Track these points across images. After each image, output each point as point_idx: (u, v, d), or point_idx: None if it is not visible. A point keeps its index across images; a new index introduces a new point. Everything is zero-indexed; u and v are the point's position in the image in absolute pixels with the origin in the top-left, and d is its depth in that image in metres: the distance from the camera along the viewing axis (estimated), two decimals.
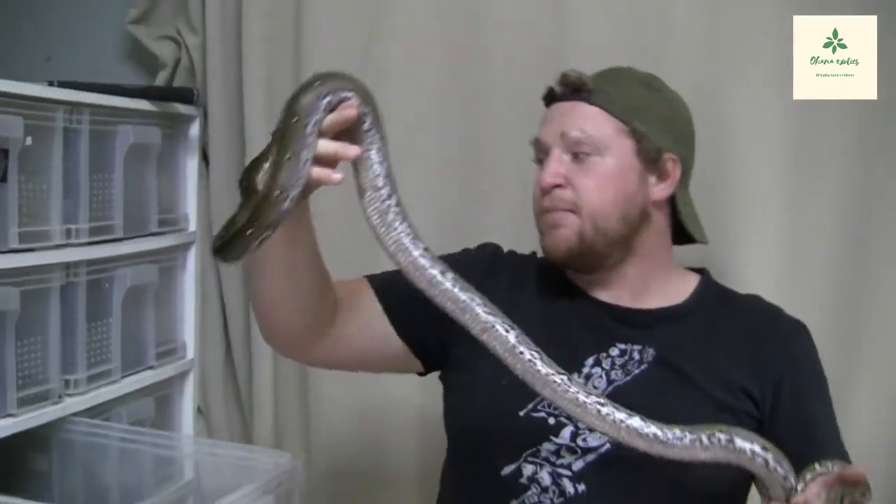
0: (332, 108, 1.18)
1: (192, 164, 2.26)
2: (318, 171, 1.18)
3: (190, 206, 2.25)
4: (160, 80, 2.32)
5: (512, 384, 1.28)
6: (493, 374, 1.35)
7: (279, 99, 2.11)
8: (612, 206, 1.48)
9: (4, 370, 1.72)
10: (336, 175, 1.19)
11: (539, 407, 1.44)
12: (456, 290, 1.21)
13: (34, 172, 1.78)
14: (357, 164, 1.21)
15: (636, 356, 1.48)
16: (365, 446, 2.12)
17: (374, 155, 1.20)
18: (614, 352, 1.49)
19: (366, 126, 1.20)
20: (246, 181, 1.19)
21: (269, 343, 1.54)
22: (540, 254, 1.60)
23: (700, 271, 1.62)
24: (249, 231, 1.17)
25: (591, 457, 1.42)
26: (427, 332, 1.53)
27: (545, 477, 1.42)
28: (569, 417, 1.40)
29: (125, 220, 2.00)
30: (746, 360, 1.33)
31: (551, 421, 1.44)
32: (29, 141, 1.74)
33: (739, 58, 1.86)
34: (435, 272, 1.21)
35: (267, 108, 2.16)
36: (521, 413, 1.45)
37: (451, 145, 2.04)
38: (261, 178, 1.17)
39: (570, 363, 1.38)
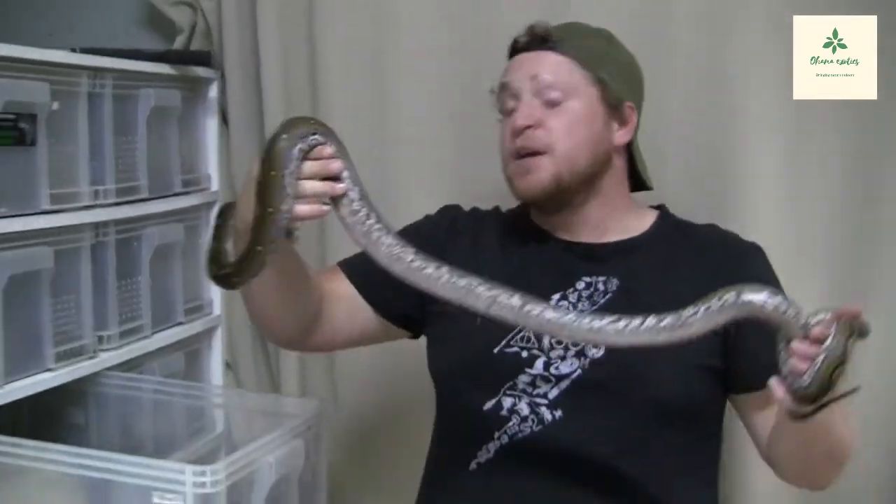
0: (305, 154, 1.27)
1: (212, 126, 2.30)
2: (307, 209, 1.27)
3: (211, 166, 2.30)
4: (178, 44, 2.36)
5: (485, 323, 1.38)
6: (465, 318, 1.44)
7: (294, 59, 2.19)
8: (582, 148, 1.56)
9: (41, 327, 1.78)
10: (325, 207, 1.30)
11: (512, 342, 1.54)
12: (454, 279, 1.31)
13: (61, 136, 1.83)
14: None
15: (601, 287, 1.57)
16: (388, 394, 2.18)
17: (348, 183, 1.30)
18: (580, 285, 1.58)
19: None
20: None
21: (270, 341, 1.61)
22: (505, 208, 1.71)
23: (658, 207, 1.70)
24: (236, 279, 1.34)
25: (564, 383, 1.51)
26: (403, 304, 1.65)
27: (524, 407, 1.52)
28: (541, 349, 1.52)
29: (150, 180, 2.05)
30: (706, 283, 1.37)
31: (524, 354, 1.53)
32: (55, 106, 1.78)
33: (743, 55, 1.89)
34: (431, 270, 1.31)
35: (282, 68, 2.21)
36: (496, 350, 1.55)
37: (460, 116, 2.07)
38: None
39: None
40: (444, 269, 1.31)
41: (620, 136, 1.62)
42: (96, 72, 1.91)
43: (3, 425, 1.65)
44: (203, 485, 1.43)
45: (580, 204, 1.61)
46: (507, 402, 1.53)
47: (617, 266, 1.59)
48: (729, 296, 1.27)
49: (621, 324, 1.29)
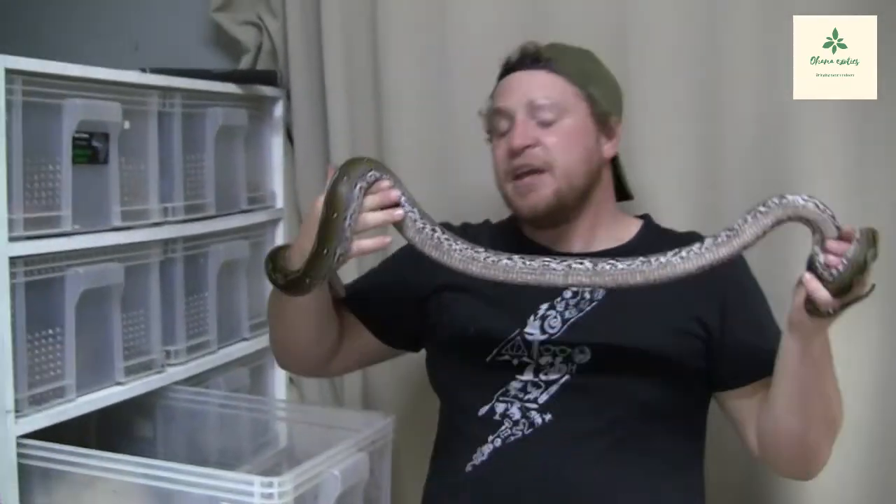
0: (366, 191, 1.44)
1: (277, 144, 2.35)
2: (371, 243, 1.46)
3: (276, 183, 2.34)
4: (244, 63, 2.41)
5: (477, 332, 1.60)
6: (459, 328, 1.64)
7: (358, 77, 2.21)
8: (579, 163, 1.63)
9: (112, 341, 1.82)
10: (387, 239, 1.51)
11: (503, 351, 1.62)
12: (527, 262, 1.45)
13: (132, 154, 1.88)
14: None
15: (587, 295, 1.63)
16: None
17: (406, 205, 1.47)
18: (567, 294, 1.63)
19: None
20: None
21: (287, 370, 1.70)
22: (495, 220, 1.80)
23: (643, 217, 1.77)
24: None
25: (553, 388, 1.58)
26: (404, 330, 1.77)
27: (515, 412, 1.59)
28: (530, 356, 1.60)
29: (217, 198, 2.09)
30: (690, 287, 1.47)
31: (515, 362, 1.61)
32: (127, 125, 1.84)
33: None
34: (505, 261, 1.46)
35: (347, 87, 2.24)
36: (488, 359, 1.62)
37: None
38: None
39: (525, 310, 1.62)
40: (516, 257, 1.46)
41: (609, 150, 1.69)
42: (166, 91, 1.96)
43: (72, 438, 1.68)
44: (270, 496, 1.46)
45: (574, 217, 1.67)
46: (500, 407, 1.60)
47: None
48: (773, 200, 1.40)
49: (684, 252, 1.42)
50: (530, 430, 1.58)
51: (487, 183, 1.82)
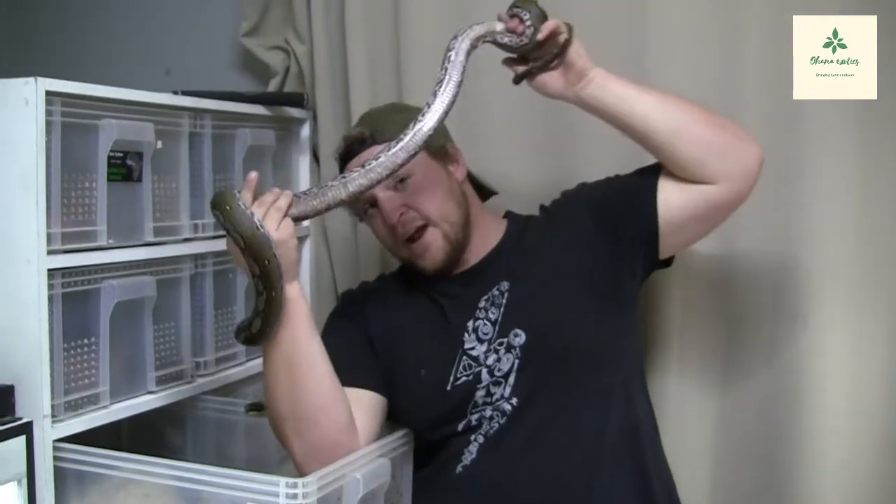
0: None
1: (304, 164, 2.42)
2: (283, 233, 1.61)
3: None
4: (272, 86, 2.49)
5: (428, 371, 1.77)
6: (412, 375, 1.79)
7: (382, 100, 2.28)
8: (446, 202, 1.81)
9: (144, 351, 1.89)
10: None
11: (458, 374, 1.76)
12: (338, 179, 1.66)
13: (165, 173, 1.94)
14: None
15: (496, 292, 1.79)
16: None
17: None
18: (482, 303, 1.80)
19: None
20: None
21: (309, 457, 1.70)
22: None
23: (506, 215, 1.94)
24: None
25: (511, 377, 1.73)
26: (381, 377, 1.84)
27: (488, 411, 1.74)
28: (479, 363, 1.75)
29: None
30: (560, 238, 1.78)
31: (470, 377, 1.75)
32: (159, 144, 1.90)
33: None
34: (335, 182, 1.66)
35: (370, 99, 2.29)
36: (448, 388, 1.77)
37: (544, 121, 2.15)
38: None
39: (456, 334, 1.78)
40: (337, 180, 1.66)
41: (460, 173, 1.87)
42: (197, 113, 2.03)
43: (105, 447, 1.73)
44: (295, 496, 1.51)
45: (468, 244, 1.83)
46: (475, 416, 1.75)
47: (500, 272, 1.81)
48: (450, 53, 1.65)
49: (419, 119, 1.64)
50: (504, 418, 1.73)
51: (509, 205, 1.91)
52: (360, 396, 1.77)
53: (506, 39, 1.69)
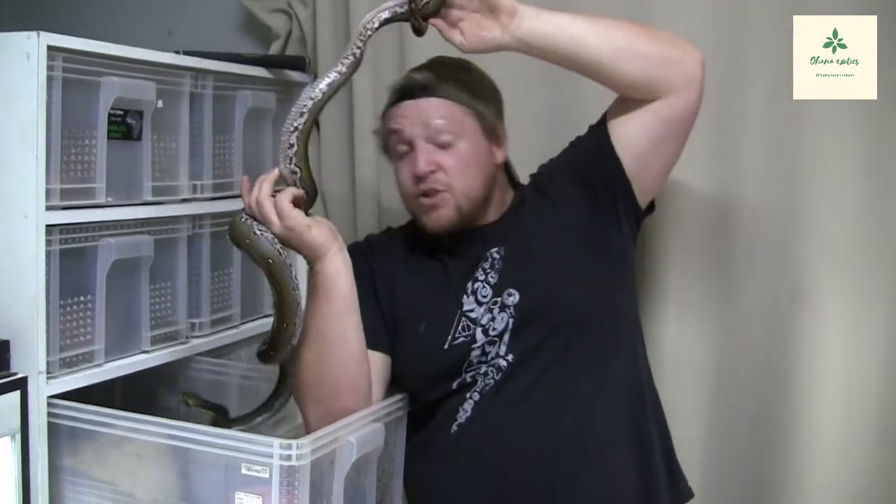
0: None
1: None
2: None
3: None
4: (274, 49, 2.48)
5: (429, 326, 1.79)
6: (412, 326, 1.81)
7: (384, 66, 2.28)
8: (476, 181, 1.80)
9: (140, 311, 1.89)
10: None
11: (456, 334, 1.79)
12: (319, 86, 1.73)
13: (165, 132, 1.94)
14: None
15: (496, 256, 1.81)
16: None
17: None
18: (485, 265, 1.82)
19: None
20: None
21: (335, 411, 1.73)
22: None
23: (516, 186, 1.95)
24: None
25: (506, 336, 1.76)
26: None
27: (483, 368, 1.77)
28: (475, 323, 1.77)
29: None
30: (550, 208, 1.81)
31: (467, 337, 1.77)
32: (160, 104, 1.89)
33: None
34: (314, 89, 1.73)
35: (372, 76, 2.29)
36: (445, 346, 1.78)
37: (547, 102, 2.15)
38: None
39: (456, 295, 1.80)
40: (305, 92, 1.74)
41: (500, 155, 1.86)
42: (198, 73, 2.02)
43: (98, 404, 1.74)
44: (289, 457, 1.51)
45: (478, 219, 1.84)
46: (470, 374, 1.77)
47: (500, 237, 1.83)
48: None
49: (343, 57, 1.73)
50: (500, 374, 1.75)
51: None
52: (373, 360, 1.79)
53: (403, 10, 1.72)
